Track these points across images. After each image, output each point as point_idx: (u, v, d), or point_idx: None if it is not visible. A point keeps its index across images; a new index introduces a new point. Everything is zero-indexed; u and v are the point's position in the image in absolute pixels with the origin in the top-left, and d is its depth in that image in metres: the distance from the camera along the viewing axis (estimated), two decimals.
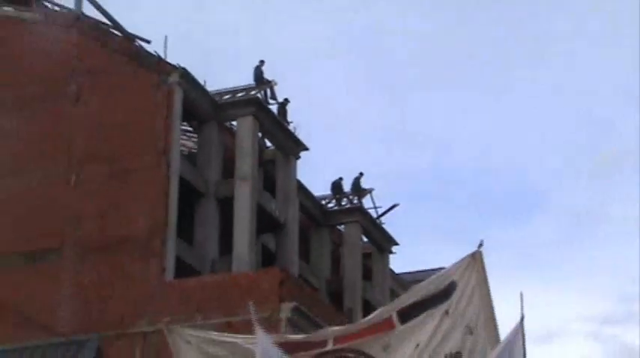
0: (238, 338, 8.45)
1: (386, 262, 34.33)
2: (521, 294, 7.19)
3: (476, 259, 7.34)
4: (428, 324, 7.26)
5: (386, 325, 7.43)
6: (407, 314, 7.38)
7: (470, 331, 7.18)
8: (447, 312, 7.28)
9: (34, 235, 24.45)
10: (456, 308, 7.27)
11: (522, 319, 7.12)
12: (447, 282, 7.41)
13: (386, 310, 8.02)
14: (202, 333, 8.57)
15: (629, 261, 54.88)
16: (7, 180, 25.36)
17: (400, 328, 7.21)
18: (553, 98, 65.44)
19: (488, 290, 7.31)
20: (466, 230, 55.24)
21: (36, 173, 25.30)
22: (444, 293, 7.30)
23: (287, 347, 7.97)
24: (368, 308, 30.19)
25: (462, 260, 7.39)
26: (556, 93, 65.14)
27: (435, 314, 7.32)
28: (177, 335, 8.24)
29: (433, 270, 32.36)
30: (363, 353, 7.59)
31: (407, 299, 7.92)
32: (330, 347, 7.74)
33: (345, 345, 7.81)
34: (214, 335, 8.71)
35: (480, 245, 7.46)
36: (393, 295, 32.68)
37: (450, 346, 7.16)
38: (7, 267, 24.08)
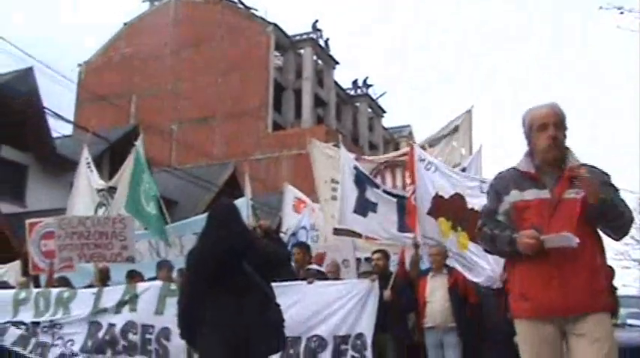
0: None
1: (380, 121, 45.59)
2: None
3: (469, 113, 9.08)
4: (446, 147, 8.96)
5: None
6: (432, 144, 9.11)
7: (461, 154, 9.11)
8: (454, 141, 9.13)
9: (202, 110, 34.97)
10: (458, 139, 9.05)
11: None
12: (453, 126, 9.10)
13: (414, 144, 8.70)
14: (324, 144, 10.11)
15: None
16: (187, 84, 35.91)
17: (429, 150, 8.55)
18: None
19: (471, 131, 9.14)
20: (418, 106, 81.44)
21: (206, 77, 35.80)
22: (453, 131, 9.15)
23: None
24: (371, 146, 42.71)
25: (462, 114, 9.03)
26: None
27: (449, 140, 9.13)
28: (313, 146, 9.98)
29: (405, 126, 50.47)
30: (403, 165, 8.87)
31: (431, 136, 9.45)
32: (384, 161, 9.48)
33: (393, 160, 9.43)
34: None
35: (472, 106, 9.03)
36: (384, 139, 45.26)
37: (454, 159, 8.84)
38: (190, 126, 34.70)
